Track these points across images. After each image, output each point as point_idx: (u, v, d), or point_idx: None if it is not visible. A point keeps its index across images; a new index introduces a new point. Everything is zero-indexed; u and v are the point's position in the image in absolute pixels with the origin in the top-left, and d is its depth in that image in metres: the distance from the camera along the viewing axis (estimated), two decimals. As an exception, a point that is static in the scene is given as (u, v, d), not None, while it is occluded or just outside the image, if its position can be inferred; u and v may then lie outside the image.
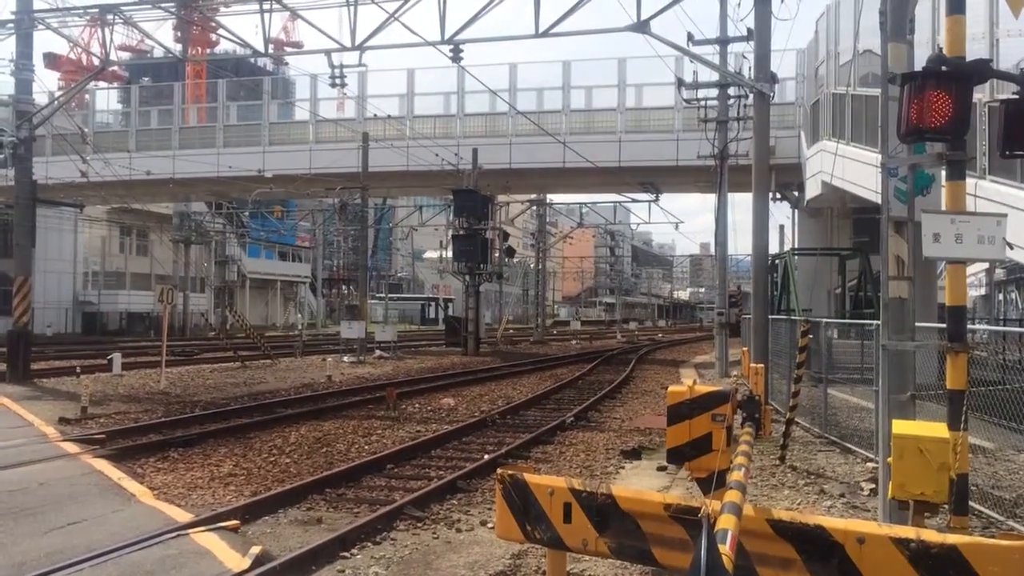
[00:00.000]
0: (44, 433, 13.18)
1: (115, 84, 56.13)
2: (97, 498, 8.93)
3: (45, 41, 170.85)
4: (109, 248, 56.67)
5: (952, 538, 3.83)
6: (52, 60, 69.29)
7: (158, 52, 49.95)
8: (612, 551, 4.74)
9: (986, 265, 38.67)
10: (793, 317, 17.29)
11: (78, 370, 22.61)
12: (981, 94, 12.40)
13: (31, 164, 22.28)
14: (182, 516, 8.15)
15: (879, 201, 6.76)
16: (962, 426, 5.80)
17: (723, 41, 24.26)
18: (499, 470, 5.18)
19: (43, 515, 8.17)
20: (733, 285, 52.08)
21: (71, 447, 11.92)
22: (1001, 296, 49.73)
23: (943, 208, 6.19)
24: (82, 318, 52.27)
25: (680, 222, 63.93)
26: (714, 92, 25.52)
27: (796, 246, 31.23)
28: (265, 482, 10.17)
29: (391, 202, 61.27)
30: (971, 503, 7.07)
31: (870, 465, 10.35)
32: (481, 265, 36.80)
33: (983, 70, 6.10)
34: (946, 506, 5.48)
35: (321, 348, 37.32)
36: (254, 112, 39.48)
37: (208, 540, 7.30)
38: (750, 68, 19.74)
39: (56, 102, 25.54)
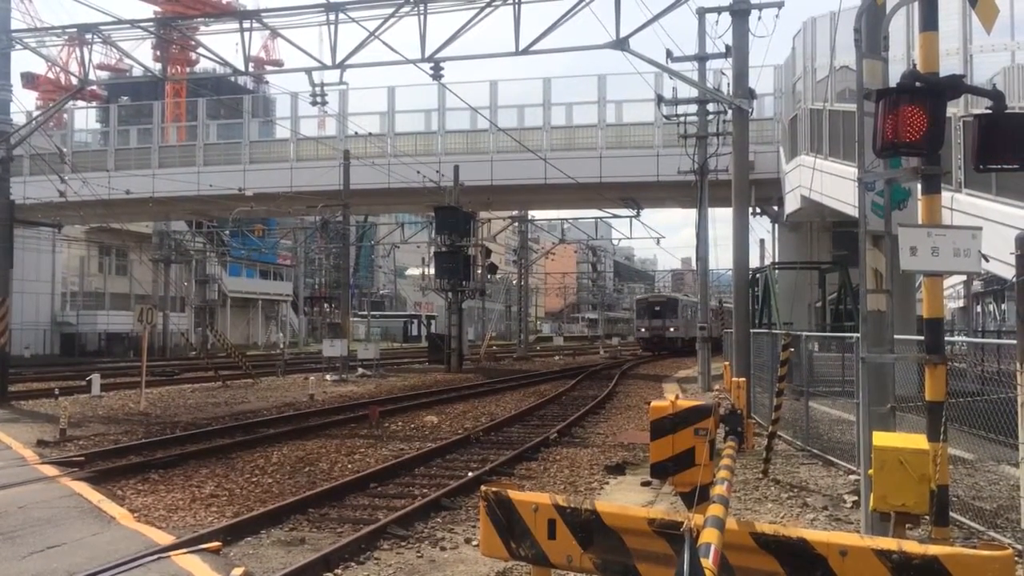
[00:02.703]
0: (22, 456, 13.02)
1: (94, 103, 55.90)
2: (77, 521, 8.82)
3: (23, 60, 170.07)
4: (88, 268, 56.18)
5: (933, 549, 3.86)
6: (30, 79, 68.96)
7: (137, 71, 49.75)
8: (597, 567, 4.73)
9: (964, 277, 39.07)
10: (774, 331, 17.39)
11: (57, 392, 22.44)
12: (955, 109, 12.57)
13: (8, 184, 22.11)
14: (163, 538, 8.06)
15: (857, 215, 6.83)
16: (941, 437, 5.84)
17: (702, 58, 24.49)
18: (483, 487, 5.17)
19: (22, 539, 8.06)
20: (715, 299, 52.24)
21: (50, 470, 11.78)
22: (979, 308, 50.19)
23: (919, 222, 6.26)
24: (61, 339, 51.71)
25: (661, 237, 64.25)
26: (693, 108, 25.72)
27: (776, 260, 31.42)
28: (247, 503, 10.10)
29: (373, 219, 61.19)
30: (952, 514, 7.11)
31: (852, 477, 10.40)
32: (463, 282, 36.79)
33: (957, 85, 6.19)
34: (927, 517, 5.52)
35: (303, 367, 37.12)
36: (234, 130, 39.37)
37: (190, 562, 7.23)
38: (729, 84, 19.91)
39: (34, 122, 25.41)
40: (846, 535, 4.34)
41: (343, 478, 11.48)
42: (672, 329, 54.77)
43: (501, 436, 16.18)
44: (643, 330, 57.50)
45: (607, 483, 11.52)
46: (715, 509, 3.86)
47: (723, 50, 22.10)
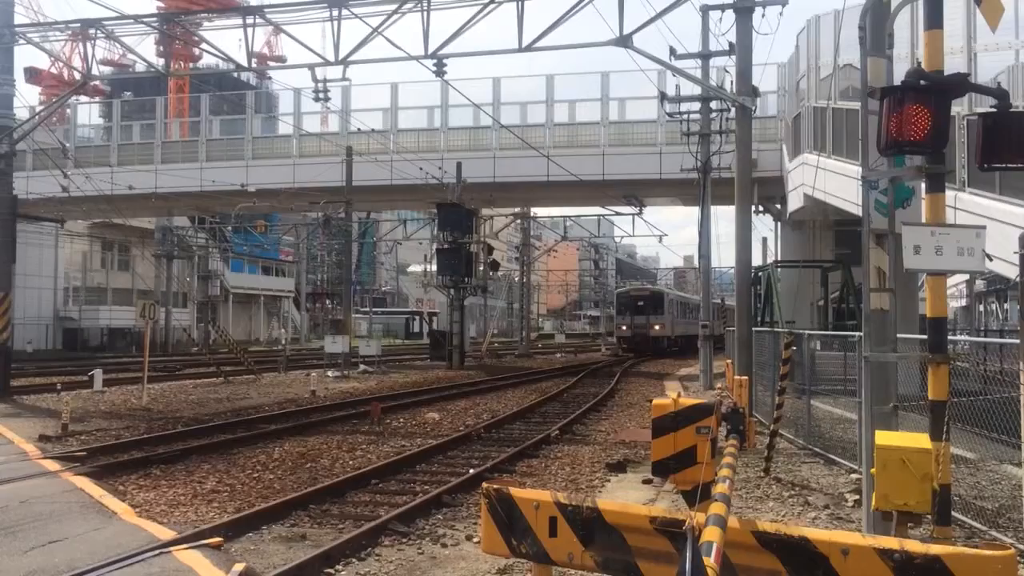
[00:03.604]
0: (24, 451, 13.04)
1: (97, 98, 55.88)
2: (78, 516, 8.83)
3: (26, 55, 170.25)
4: (90, 263, 56.26)
5: (936, 548, 3.85)
6: (33, 74, 68.92)
7: (140, 67, 49.79)
8: (598, 565, 4.73)
9: (967, 276, 39.02)
10: (776, 329, 17.38)
11: (59, 387, 22.44)
12: (960, 107, 12.55)
13: (11, 179, 22.12)
14: (164, 533, 8.07)
15: (860, 213, 6.82)
16: (944, 437, 5.83)
17: (705, 55, 24.44)
18: (484, 484, 5.16)
19: (23, 533, 8.07)
20: (717, 298, 51.99)
21: (52, 464, 11.79)
22: (982, 307, 50.17)
23: (923, 220, 6.25)
24: (63, 334, 51.81)
25: (664, 235, 64.13)
26: (696, 106, 25.68)
27: (779, 258, 31.40)
28: (248, 498, 10.10)
29: (375, 216, 61.16)
30: (954, 513, 7.10)
31: (854, 476, 10.39)
32: (465, 279, 36.79)
33: (961, 84, 6.17)
34: (929, 517, 5.51)
35: (305, 363, 37.15)
36: (237, 126, 39.40)
37: (191, 558, 7.23)
38: (732, 82, 19.86)
39: (37, 117, 25.43)
40: (848, 534, 4.33)
41: (344, 474, 11.48)
42: (657, 327, 49.19)
43: (502, 433, 16.17)
44: (624, 328, 50.72)
45: (608, 481, 11.51)
46: (717, 507, 3.85)
47: (726, 48, 22.05)
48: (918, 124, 5.66)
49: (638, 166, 33.39)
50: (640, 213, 41.27)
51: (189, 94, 54.38)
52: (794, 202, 27.60)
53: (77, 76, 26.61)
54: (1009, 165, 5.98)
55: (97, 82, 42.42)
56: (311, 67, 20.99)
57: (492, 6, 18.87)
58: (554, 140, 34.34)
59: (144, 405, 19.63)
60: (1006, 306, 48.81)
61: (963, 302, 50.98)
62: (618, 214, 42.72)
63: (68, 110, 41.16)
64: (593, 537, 4.70)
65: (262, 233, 55.80)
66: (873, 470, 5.07)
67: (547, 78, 35.14)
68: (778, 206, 31.86)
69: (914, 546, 3.88)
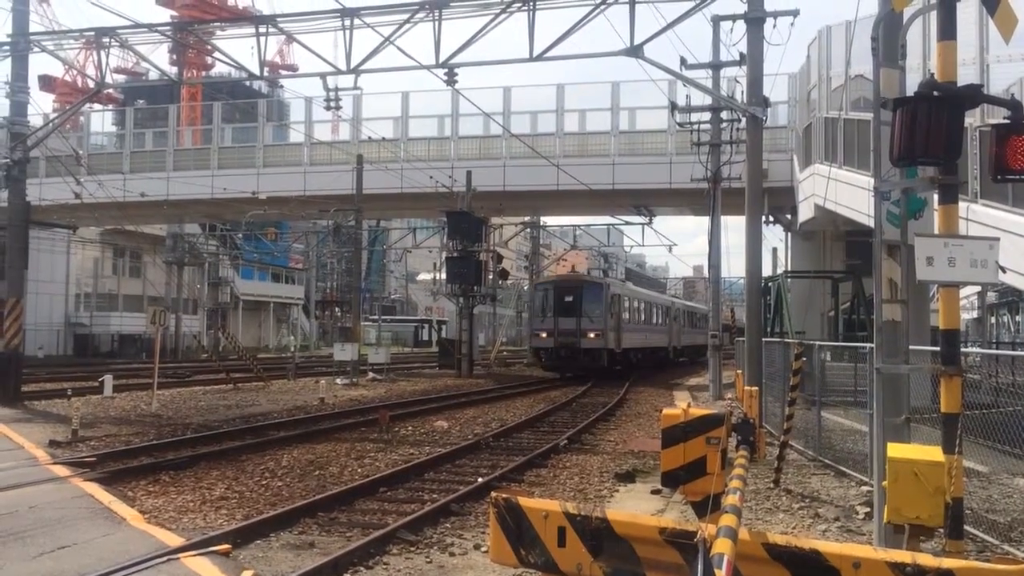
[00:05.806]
0: (34, 456, 13.07)
1: (110, 106, 56.30)
2: (87, 522, 8.84)
3: (41, 63, 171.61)
4: (102, 270, 56.47)
5: (948, 562, 3.82)
6: (47, 82, 69.62)
7: (154, 74, 50.11)
8: (607, 576, 4.71)
9: (979, 288, 38.83)
10: (787, 340, 17.32)
11: (69, 392, 22.53)
12: (972, 119, 12.50)
13: (25, 185, 22.26)
14: (173, 540, 8.07)
15: (872, 224, 6.79)
16: (957, 449, 5.79)
17: (716, 65, 24.43)
18: (493, 493, 5.15)
19: (32, 539, 8.08)
20: (727, 308, 51.68)
21: (61, 470, 11.81)
22: (993, 319, 49.91)
23: (936, 232, 6.22)
24: (74, 340, 51.97)
25: (673, 245, 63.98)
26: (707, 116, 25.66)
27: (789, 269, 31.29)
28: (257, 505, 10.10)
29: (385, 224, 61.34)
30: (966, 527, 7.05)
31: (865, 489, 10.33)
32: (475, 287, 36.77)
33: (974, 95, 6.16)
34: (941, 530, 5.47)
35: (314, 370, 37.18)
36: (249, 134, 39.57)
37: (199, 564, 7.23)
38: (743, 92, 19.87)
39: (51, 124, 25.56)
40: (859, 547, 4.30)
41: (353, 482, 11.47)
42: (592, 335, 33.28)
43: (511, 442, 16.14)
44: (543, 335, 34.48)
45: (617, 491, 11.47)
46: (728, 519, 3.83)
47: (737, 58, 22.06)
48: (931, 135, 5.64)
49: (648, 176, 33.36)
50: (650, 223, 41.22)
51: (201, 102, 54.75)
52: (805, 212, 27.51)
53: (91, 84, 26.81)
54: (1022, 177, 5.94)
55: (110, 90, 42.67)
56: (323, 76, 21.09)
57: (503, 16, 18.93)
58: (564, 149, 34.35)
59: (154, 411, 19.67)
60: (1018, 318, 48.58)
61: (975, 314, 50.69)
62: (628, 223, 42.66)
63: (81, 117, 41.44)
64: (602, 548, 4.69)
65: (272, 240, 56.02)
66: (885, 483, 5.04)
67: (558, 88, 35.18)
68: (788, 216, 31.76)
69: (926, 560, 3.85)
